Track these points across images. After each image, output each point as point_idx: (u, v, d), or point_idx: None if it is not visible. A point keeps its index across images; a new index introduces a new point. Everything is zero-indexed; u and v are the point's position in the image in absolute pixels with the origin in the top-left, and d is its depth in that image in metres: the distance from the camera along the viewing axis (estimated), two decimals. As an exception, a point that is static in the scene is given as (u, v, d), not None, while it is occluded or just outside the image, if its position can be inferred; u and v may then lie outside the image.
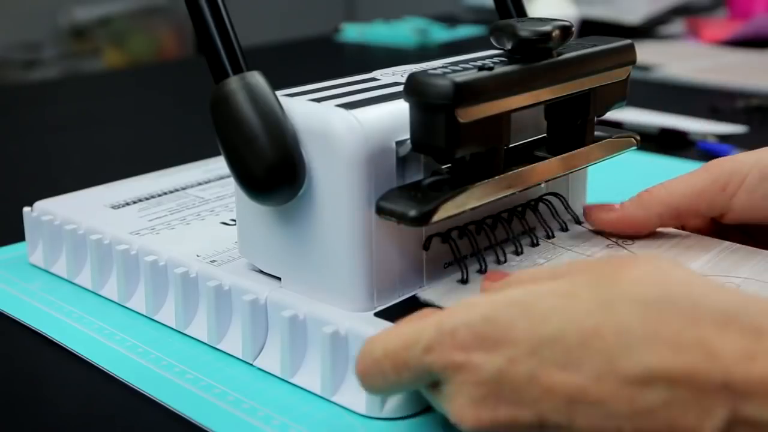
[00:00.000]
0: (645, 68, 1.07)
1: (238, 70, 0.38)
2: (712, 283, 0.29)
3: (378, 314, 0.38)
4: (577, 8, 1.30)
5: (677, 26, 1.41)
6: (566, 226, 0.45)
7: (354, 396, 0.37)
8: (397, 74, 0.44)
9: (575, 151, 0.43)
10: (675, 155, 0.73)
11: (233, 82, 0.38)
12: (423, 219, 0.36)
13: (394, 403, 0.36)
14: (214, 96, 0.38)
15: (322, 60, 1.26)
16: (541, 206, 0.44)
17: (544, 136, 0.44)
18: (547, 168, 0.41)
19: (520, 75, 0.38)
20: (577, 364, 0.28)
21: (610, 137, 0.45)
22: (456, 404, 0.31)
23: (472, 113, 0.36)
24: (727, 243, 0.42)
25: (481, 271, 0.40)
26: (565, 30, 0.39)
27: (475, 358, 0.30)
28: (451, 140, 0.35)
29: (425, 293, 0.39)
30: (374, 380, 0.33)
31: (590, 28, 1.34)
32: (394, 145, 0.37)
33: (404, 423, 0.36)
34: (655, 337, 0.27)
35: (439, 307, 0.37)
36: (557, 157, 0.42)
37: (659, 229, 0.44)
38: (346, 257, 0.37)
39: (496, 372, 0.29)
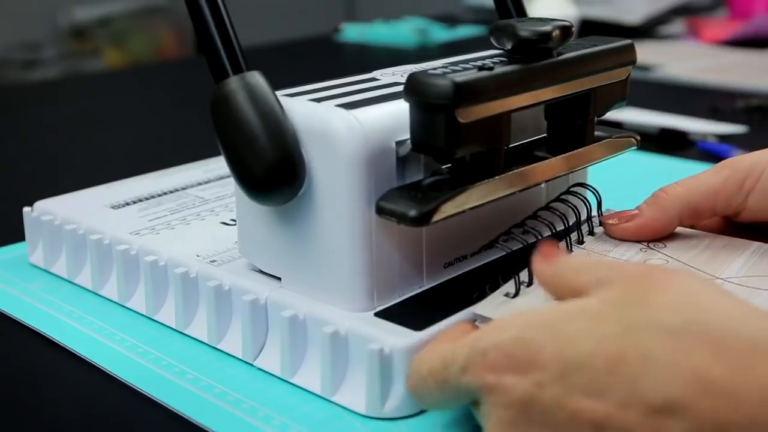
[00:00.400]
0: (645, 68, 1.07)
1: (238, 70, 0.38)
2: (745, 307, 0.29)
3: (378, 314, 0.38)
4: (577, 8, 1.30)
5: (677, 26, 1.41)
6: (593, 229, 0.44)
7: (354, 396, 0.37)
8: (397, 74, 0.44)
9: (575, 151, 0.43)
10: (675, 155, 0.73)
11: (233, 82, 0.38)
12: (423, 219, 0.36)
13: (394, 403, 0.36)
14: (214, 96, 0.38)
15: (322, 60, 1.26)
16: (568, 205, 0.44)
17: (544, 136, 0.44)
18: (547, 168, 0.41)
19: (520, 75, 0.38)
20: (602, 391, 0.28)
21: (610, 137, 0.45)
22: (490, 425, 0.31)
23: (472, 113, 0.36)
24: (758, 243, 0.42)
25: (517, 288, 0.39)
26: (565, 30, 0.39)
27: (506, 380, 0.30)
28: (451, 140, 0.35)
29: (477, 308, 0.37)
30: (423, 397, 0.34)
31: (590, 28, 1.34)
32: (394, 145, 0.37)
33: (404, 423, 0.36)
34: (679, 366, 0.27)
35: (486, 318, 0.37)
36: (557, 157, 0.42)
37: (686, 230, 0.43)
38: (346, 257, 0.37)
39: (525, 395, 0.29)
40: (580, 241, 0.43)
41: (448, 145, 0.35)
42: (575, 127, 0.43)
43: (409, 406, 0.36)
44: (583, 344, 0.29)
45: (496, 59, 0.39)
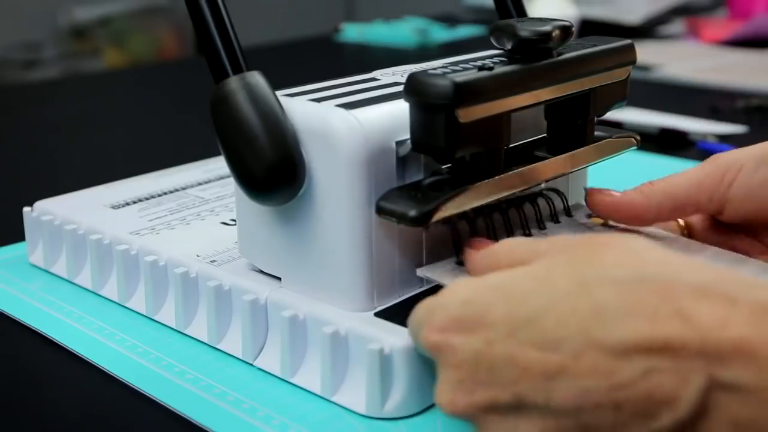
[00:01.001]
0: (645, 68, 1.07)
1: (238, 70, 0.38)
2: (687, 259, 0.30)
3: (378, 314, 0.38)
4: (577, 8, 1.30)
5: (677, 26, 1.41)
6: (558, 219, 0.45)
7: (354, 396, 0.37)
8: (397, 74, 0.44)
9: (575, 151, 0.43)
10: (675, 155, 0.73)
11: (233, 82, 0.38)
12: (423, 219, 0.36)
13: (394, 403, 0.36)
14: (214, 96, 0.38)
15: (322, 60, 1.26)
16: (541, 202, 0.44)
17: (544, 136, 0.44)
18: (547, 168, 0.41)
19: (520, 75, 0.38)
20: (554, 343, 0.28)
21: (610, 137, 0.45)
22: (438, 387, 0.31)
23: (472, 113, 0.36)
24: (715, 249, 0.42)
25: None
26: (565, 30, 0.39)
27: (453, 340, 0.30)
28: (451, 140, 0.35)
29: (423, 270, 0.39)
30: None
31: (590, 28, 1.34)
32: (394, 145, 0.37)
33: (404, 423, 0.36)
34: (631, 311, 0.27)
35: (432, 280, 0.38)
36: (557, 157, 0.42)
37: (653, 230, 0.44)
38: (346, 257, 0.37)
39: (472, 354, 0.30)
40: (542, 228, 0.43)
41: (448, 145, 0.35)
42: (575, 127, 0.43)
43: (409, 406, 0.36)
44: (533, 302, 0.29)
45: (496, 59, 0.39)
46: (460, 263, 0.39)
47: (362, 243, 0.37)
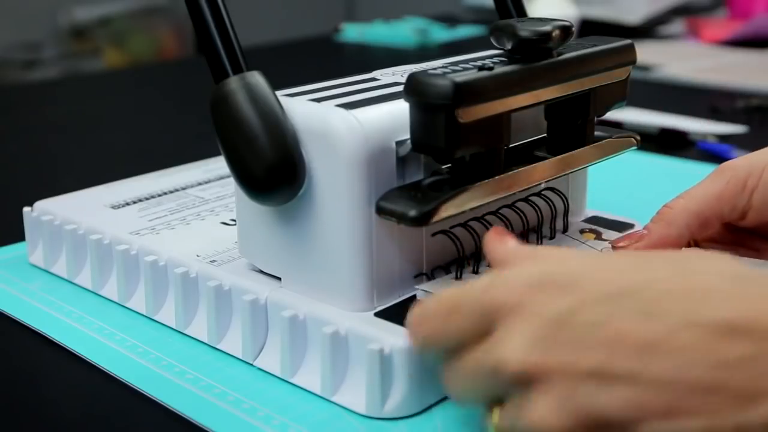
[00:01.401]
0: (645, 68, 1.07)
1: (238, 70, 0.38)
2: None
3: (378, 314, 0.38)
4: (577, 8, 1.30)
5: (677, 26, 1.41)
6: (554, 231, 0.45)
7: (354, 396, 0.37)
8: (397, 74, 0.44)
9: (575, 151, 0.43)
10: (675, 155, 0.73)
11: (233, 82, 0.38)
12: (423, 219, 0.36)
13: (394, 403, 0.36)
14: (214, 96, 0.38)
15: (322, 60, 1.26)
16: (541, 204, 0.44)
17: (545, 136, 0.44)
18: (547, 168, 0.41)
19: (520, 75, 0.38)
20: (653, 314, 0.27)
21: (610, 137, 0.45)
22: (505, 345, 0.29)
23: (472, 113, 0.35)
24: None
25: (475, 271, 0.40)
26: (565, 30, 0.39)
27: (536, 298, 0.29)
28: (451, 140, 0.35)
29: (422, 287, 0.39)
30: (425, 330, 0.33)
31: (590, 28, 1.34)
32: (394, 144, 0.37)
33: (404, 423, 0.36)
34: (741, 295, 0.27)
35: (430, 293, 0.38)
36: (557, 157, 0.42)
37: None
38: (346, 257, 0.37)
39: (556, 315, 0.28)
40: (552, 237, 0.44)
41: (448, 145, 0.35)
42: (575, 127, 0.43)
43: (409, 406, 0.36)
44: (632, 276, 0.29)
45: (496, 59, 0.39)
46: (459, 278, 0.40)
47: (362, 243, 0.37)
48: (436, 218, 0.36)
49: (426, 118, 0.35)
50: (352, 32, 1.38)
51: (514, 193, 0.40)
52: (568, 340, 0.28)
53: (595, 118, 0.44)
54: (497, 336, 0.30)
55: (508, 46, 0.39)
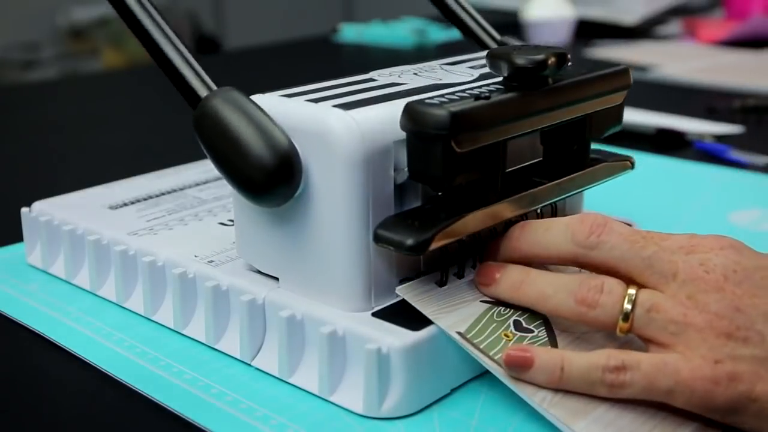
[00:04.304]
0: (642, 68, 1.07)
1: (209, 88, 0.39)
2: None
3: (375, 314, 0.38)
4: (575, 8, 1.30)
5: (674, 26, 1.42)
6: None
7: (351, 396, 0.37)
8: (394, 75, 0.44)
9: (571, 176, 0.43)
10: (672, 155, 0.73)
11: (212, 98, 0.38)
12: (420, 248, 0.36)
13: (391, 402, 0.36)
14: (196, 115, 0.39)
15: (319, 60, 1.26)
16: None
17: (541, 160, 0.44)
18: (543, 193, 0.41)
19: (516, 103, 0.38)
20: None
21: (606, 161, 0.45)
22: (702, 268, 0.35)
23: (468, 142, 0.36)
24: None
25: (459, 275, 0.40)
26: (561, 57, 0.39)
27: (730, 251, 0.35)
28: (448, 170, 0.36)
29: (400, 289, 0.39)
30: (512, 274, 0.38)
31: (587, 28, 1.34)
32: (391, 144, 0.37)
33: (402, 423, 0.36)
34: None
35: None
36: (554, 182, 0.42)
37: None
38: (344, 257, 0.38)
39: (754, 262, 0.35)
40: None
41: (445, 174, 0.36)
42: (571, 152, 0.43)
43: (407, 405, 0.36)
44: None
45: (492, 86, 0.39)
46: (443, 283, 0.39)
47: (360, 243, 0.37)
48: (433, 246, 0.36)
49: (423, 147, 0.36)
50: (350, 32, 1.38)
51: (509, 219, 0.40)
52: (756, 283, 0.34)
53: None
54: (665, 267, 0.35)
55: (505, 74, 0.39)
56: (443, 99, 0.36)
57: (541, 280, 0.38)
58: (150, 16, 0.41)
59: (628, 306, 0.35)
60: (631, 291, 0.35)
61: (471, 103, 0.36)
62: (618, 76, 0.44)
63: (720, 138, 0.78)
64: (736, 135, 0.79)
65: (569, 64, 0.39)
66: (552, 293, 0.37)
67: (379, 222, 0.37)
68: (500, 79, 0.40)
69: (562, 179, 0.42)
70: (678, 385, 0.33)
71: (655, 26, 1.42)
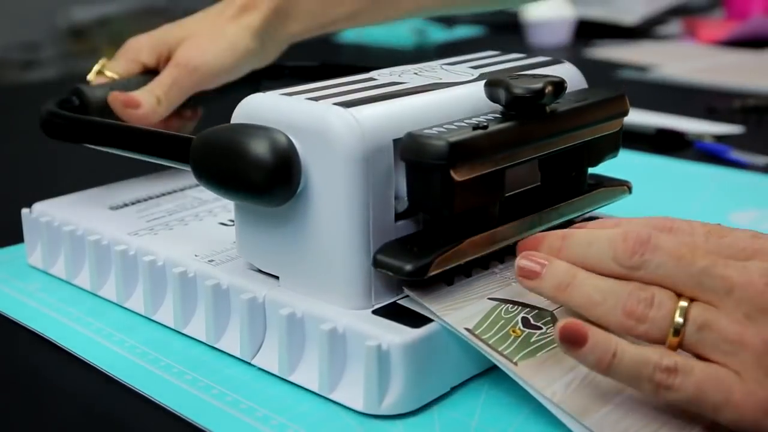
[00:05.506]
0: (642, 68, 1.07)
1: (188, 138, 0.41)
2: None
3: (376, 312, 0.38)
4: (575, 8, 1.30)
5: (674, 26, 1.42)
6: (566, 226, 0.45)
7: (352, 393, 0.37)
8: (394, 74, 0.44)
9: (569, 201, 0.43)
10: (672, 155, 0.73)
11: (198, 140, 0.40)
12: (419, 274, 0.36)
13: (392, 400, 0.36)
14: (193, 154, 0.40)
15: (320, 60, 1.26)
16: None
17: (539, 185, 0.44)
18: (541, 219, 0.42)
19: (513, 132, 0.38)
20: None
21: (603, 185, 0.45)
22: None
23: (467, 172, 0.36)
24: None
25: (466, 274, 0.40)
26: (558, 86, 0.39)
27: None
28: (447, 199, 0.36)
29: (409, 287, 0.39)
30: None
31: (587, 28, 1.34)
32: (391, 143, 0.37)
33: (402, 420, 0.36)
34: None
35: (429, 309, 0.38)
36: (551, 208, 0.42)
37: None
38: (344, 255, 0.38)
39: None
40: None
41: (444, 203, 0.36)
42: (569, 178, 0.43)
43: (407, 403, 0.36)
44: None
45: (490, 116, 0.39)
46: (450, 281, 0.39)
47: (360, 240, 0.37)
48: (432, 272, 0.37)
49: (422, 177, 0.36)
50: (350, 32, 1.38)
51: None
52: None
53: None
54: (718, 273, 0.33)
55: (502, 103, 0.39)
56: (442, 129, 0.37)
57: (589, 283, 0.35)
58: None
59: (679, 320, 0.33)
60: (683, 303, 0.33)
61: (469, 133, 0.36)
62: (615, 103, 0.44)
63: (720, 138, 0.78)
64: (736, 135, 0.79)
65: (566, 88, 0.39)
66: (600, 300, 0.34)
67: (379, 247, 0.37)
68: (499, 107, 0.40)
69: (560, 204, 0.43)
70: (728, 405, 0.31)
71: (655, 26, 1.42)
